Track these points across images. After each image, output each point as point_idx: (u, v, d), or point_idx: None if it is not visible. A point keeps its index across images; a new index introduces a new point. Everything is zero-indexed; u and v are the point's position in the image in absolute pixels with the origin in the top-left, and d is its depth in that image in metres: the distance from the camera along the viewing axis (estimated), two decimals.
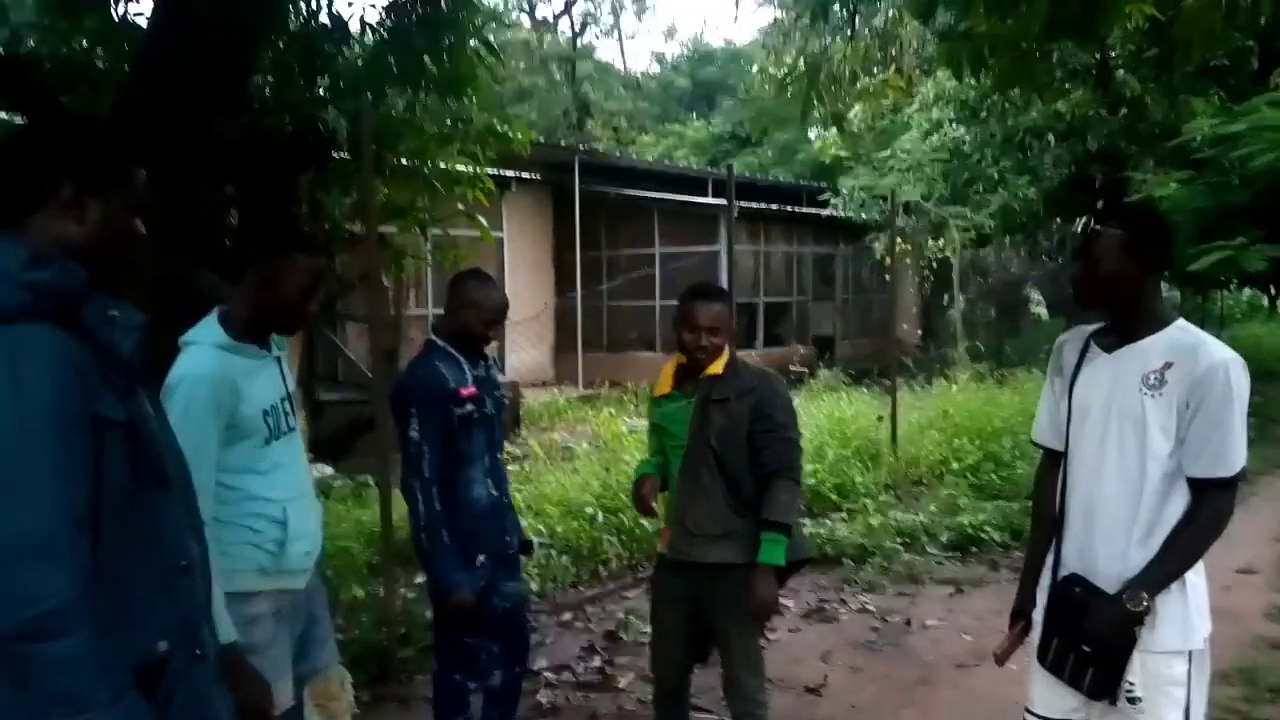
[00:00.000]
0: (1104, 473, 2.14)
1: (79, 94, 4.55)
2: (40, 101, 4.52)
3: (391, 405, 3.00)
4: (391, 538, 4.28)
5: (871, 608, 5.06)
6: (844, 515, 6.45)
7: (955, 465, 7.56)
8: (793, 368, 13.46)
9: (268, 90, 4.79)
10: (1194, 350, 2.07)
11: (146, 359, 1.54)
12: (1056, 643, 2.18)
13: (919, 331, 17.69)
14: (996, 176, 13.40)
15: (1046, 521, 2.32)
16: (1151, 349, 2.10)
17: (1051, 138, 12.33)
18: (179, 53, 3.58)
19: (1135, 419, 2.09)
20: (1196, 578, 2.13)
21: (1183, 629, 2.10)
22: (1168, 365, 2.07)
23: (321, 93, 4.87)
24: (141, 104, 3.56)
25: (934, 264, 15.49)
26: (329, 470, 7.42)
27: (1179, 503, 2.09)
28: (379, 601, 4.40)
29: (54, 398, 1.33)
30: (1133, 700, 2.10)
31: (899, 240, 12.82)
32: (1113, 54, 11.24)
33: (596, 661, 4.36)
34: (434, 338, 3.05)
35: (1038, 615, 2.29)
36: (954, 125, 13.92)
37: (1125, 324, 2.16)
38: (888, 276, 11.64)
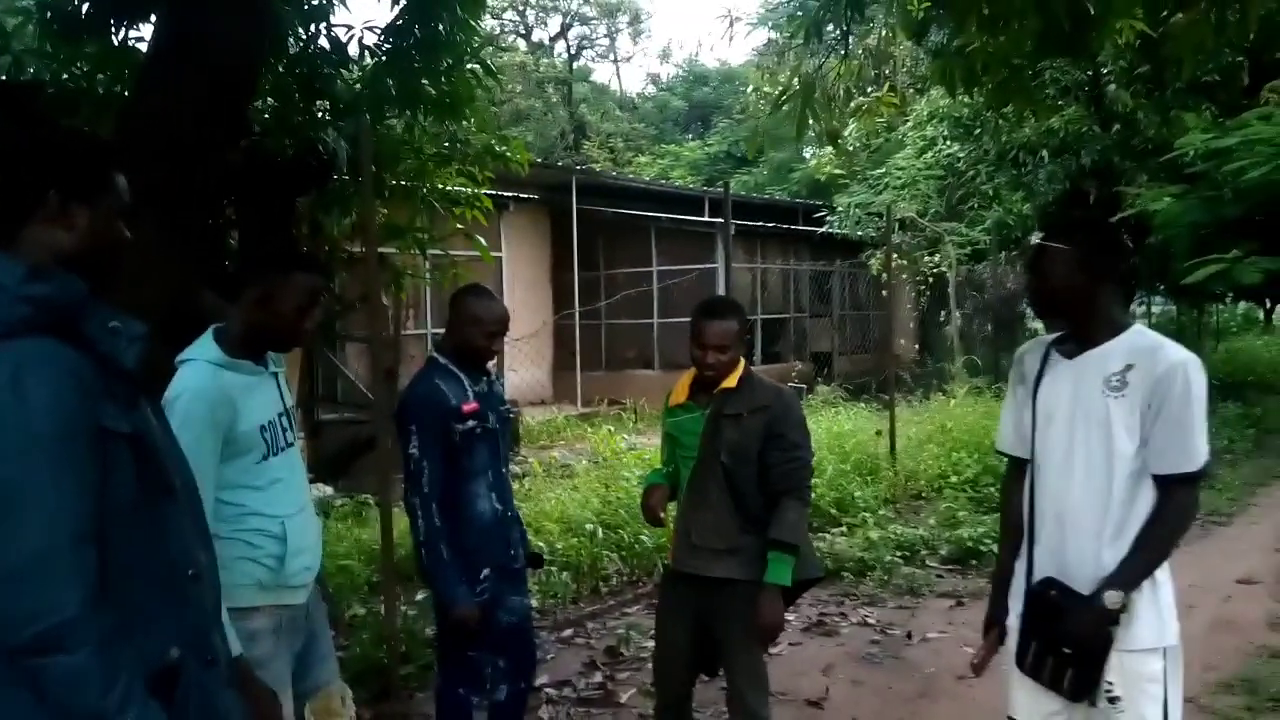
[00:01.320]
0: (1072, 476, 2.19)
1: (80, 119, 4.58)
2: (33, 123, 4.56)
3: (396, 423, 3.02)
4: (392, 556, 4.29)
5: (872, 621, 5.07)
6: (843, 529, 6.47)
7: (954, 479, 7.58)
8: (790, 384, 13.49)
9: (268, 113, 4.84)
10: (1153, 352, 2.12)
11: (149, 370, 1.55)
12: (1035, 646, 2.21)
13: (916, 346, 17.74)
14: (991, 192, 13.49)
15: (1014, 528, 2.37)
16: (1112, 353, 2.16)
17: (1045, 154, 12.40)
18: (179, 76, 3.61)
19: (1100, 421, 2.14)
20: (1165, 576, 2.17)
21: (1157, 626, 2.14)
22: (1129, 367, 2.12)
23: (321, 115, 4.91)
24: (142, 127, 3.59)
25: (930, 279, 15.55)
26: (329, 490, 7.43)
27: (1145, 501, 2.14)
28: (379, 619, 4.40)
29: (58, 411, 1.34)
30: (1112, 700, 2.13)
31: (895, 256, 12.88)
32: (1105, 70, 11.33)
33: (598, 677, 4.36)
34: (435, 355, 3.06)
35: (1013, 621, 2.32)
36: (948, 142, 14.03)
37: (1083, 332, 2.22)
38: (884, 292, 11.69)
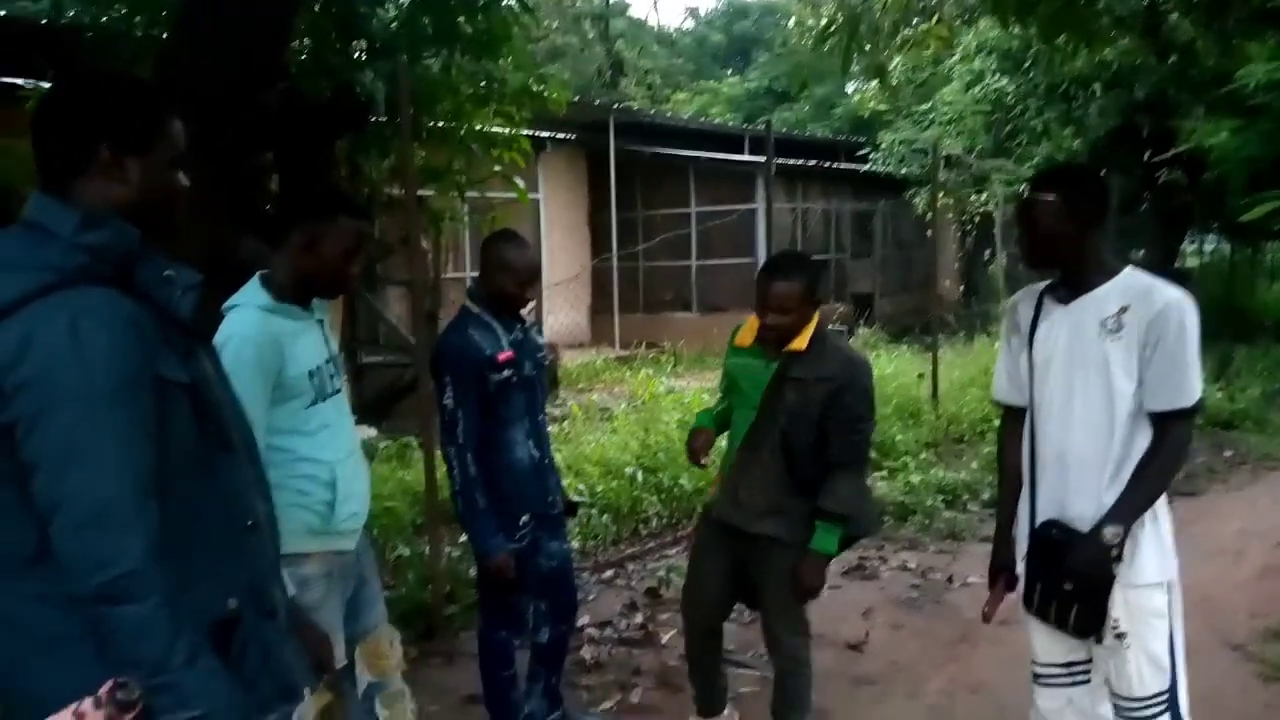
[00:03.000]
0: (1072, 419, 2.24)
1: (120, 63, 4.59)
2: (82, 71, 4.57)
3: (430, 372, 3.03)
4: (436, 497, 4.34)
5: (912, 565, 5.06)
6: (884, 474, 6.44)
7: (997, 423, 7.45)
8: (831, 326, 13.36)
9: (305, 54, 4.80)
10: (1148, 292, 2.17)
11: (206, 319, 1.55)
12: (1040, 587, 2.27)
13: (960, 288, 17.46)
14: (1040, 128, 13.08)
15: (1013, 476, 2.42)
16: (1106, 296, 2.20)
17: (1097, 87, 11.98)
18: (216, 18, 3.59)
19: (1098, 363, 2.19)
20: (1164, 511, 2.24)
21: (1160, 561, 2.21)
22: (1124, 309, 2.17)
23: (358, 55, 4.86)
24: (180, 70, 3.57)
25: (976, 219, 15.22)
26: (373, 432, 7.53)
27: (1143, 439, 2.20)
28: (424, 560, 4.48)
29: (116, 361, 1.33)
30: (1120, 636, 2.20)
31: (940, 195, 12.60)
32: None
33: (638, 618, 4.41)
34: (468, 303, 3.03)
35: (1020, 567, 2.38)
36: (997, 76, 13.58)
37: (1076, 278, 2.26)
38: (929, 232, 11.45)
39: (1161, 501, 2.24)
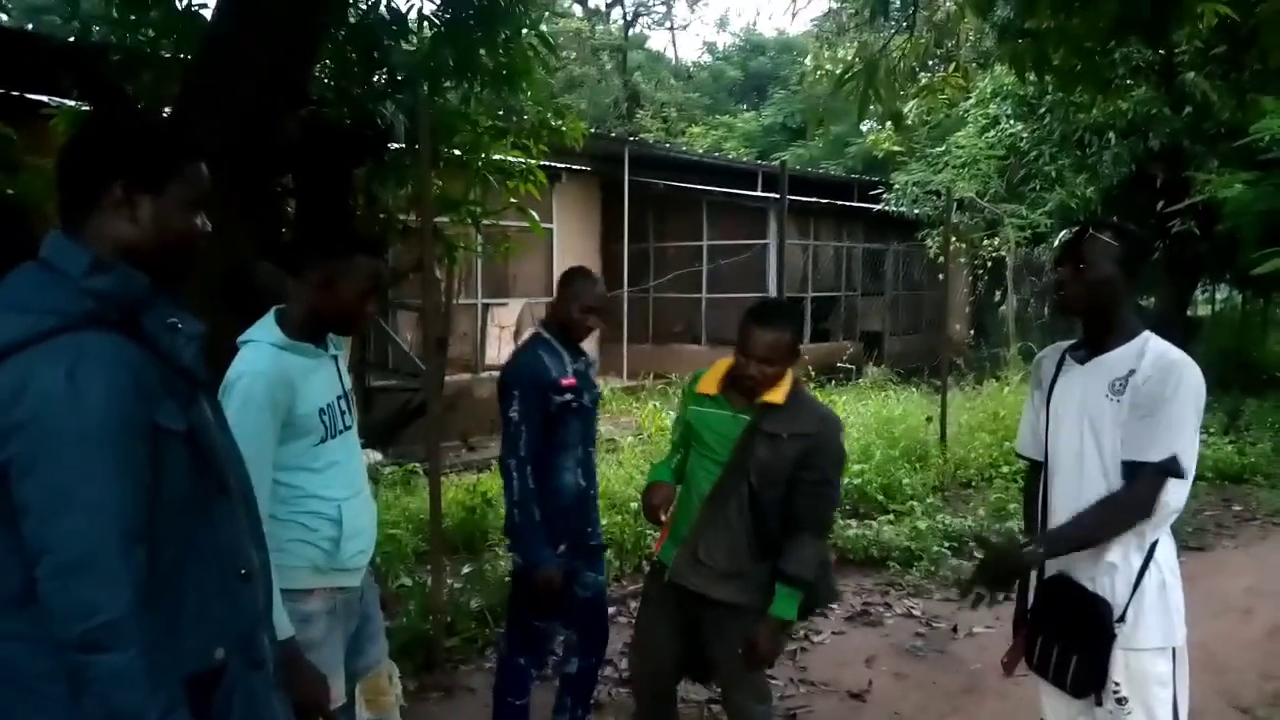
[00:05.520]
0: (1082, 478, 2.24)
1: (145, 83, 4.64)
2: (107, 91, 4.63)
3: (498, 388, 3.10)
4: (440, 526, 4.32)
5: (917, 612, 5.01)
6: (890, 517, 6.39)
7: (1005, 469, 7.44)
8: (840, 365, 13.35)
9: (327, 81, 4.85)
10: (1154, 356, 2.17)
11: (208, 366, 1.54)
12: (1041, 641, 2.28)
13: (970, 330, 17.44)
14: (1054, 174, 13.11)
15: (1035, 530, 2.42)
16: (1121, 359, 2.21)
17: (1112, 135, 12.02)
18: (241, 44, 3.64)
19: (1103, 425, 2.19)
20: (1174, 579, 2.21)
21: (1164, 626, 2.17)
22: (1131, 371, 2.18)
23: (380, 84, 4.92)
24: (205, 94, 3.61)
25: (988, 262, 15.22)
26: (378, 456, 7.52)
27: None
28: (425, 590, 4.45)
29: (113, 408, 1.33)
30: (1120, 701, 2.17)
31: (952, 237, 12.62)
32: (1178, 50, 10.92)
33: None
34: (540, 330, 3.20)
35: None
36: (1011, 121, 13.65)
37: (1100, 334, 2.27)
38: (941, 276, 11.46)
39: (1172, 565, 2.20)
